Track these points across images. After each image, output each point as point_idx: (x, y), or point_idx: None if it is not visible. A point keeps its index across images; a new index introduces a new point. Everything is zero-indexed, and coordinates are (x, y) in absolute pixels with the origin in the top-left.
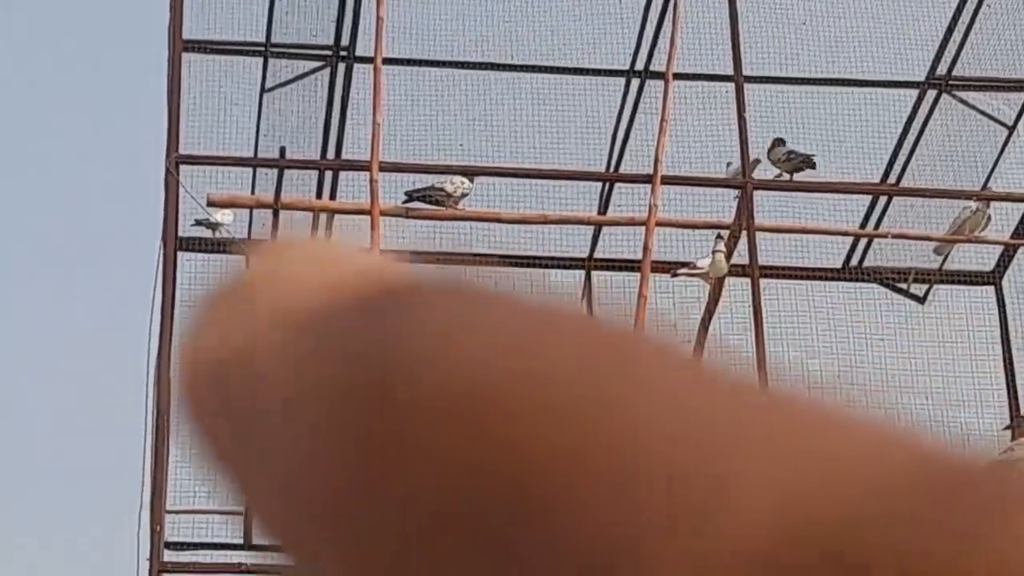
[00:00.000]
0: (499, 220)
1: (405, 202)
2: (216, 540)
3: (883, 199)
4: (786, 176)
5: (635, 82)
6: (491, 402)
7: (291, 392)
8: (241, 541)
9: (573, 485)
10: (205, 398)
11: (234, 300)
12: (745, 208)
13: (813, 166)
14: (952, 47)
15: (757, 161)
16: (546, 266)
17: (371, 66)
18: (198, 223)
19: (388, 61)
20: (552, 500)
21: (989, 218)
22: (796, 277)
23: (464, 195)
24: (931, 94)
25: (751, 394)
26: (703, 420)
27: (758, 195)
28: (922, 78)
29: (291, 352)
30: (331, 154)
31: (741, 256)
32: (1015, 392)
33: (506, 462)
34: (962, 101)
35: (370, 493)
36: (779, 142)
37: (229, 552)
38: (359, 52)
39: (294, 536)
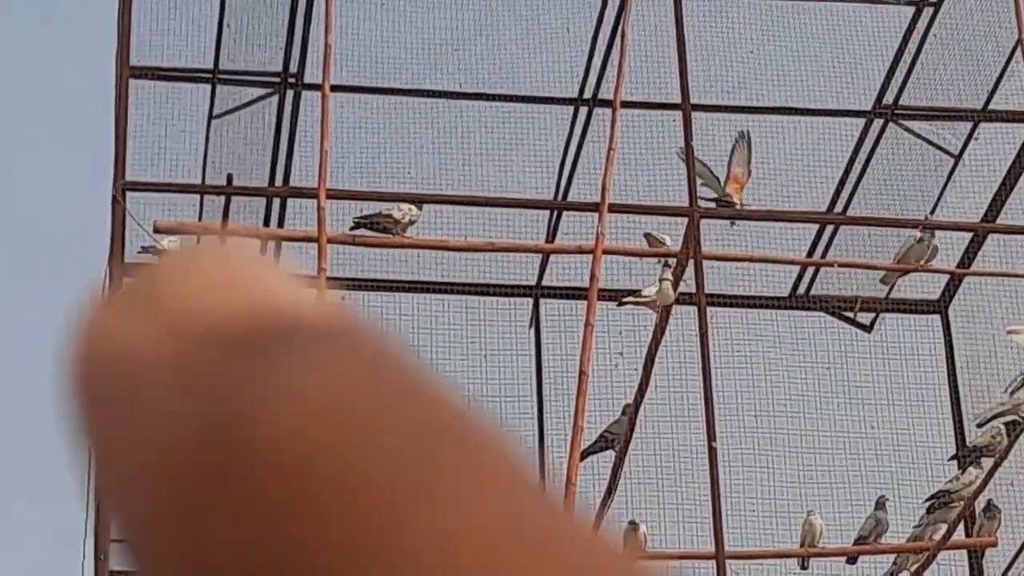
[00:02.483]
0: (447, 248)
1: (352, 228)
2: None
3: (830, 228)
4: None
5: (583, 110)
6: (305, 469)
7: (153, 405)
8: None
9: (358, 566)
10: (88, 381)
11: (137, 297)
12: (692, 236)
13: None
14: (899, 77)
15: (716, 182)
16: (494, 294)
17: (319, 93)
18: (144, 250)
19: (336, 88)
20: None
21: (935, 248)
22: (743, 305)
23: (412, 222)
24: (878, 123)
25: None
26: (487, 527)
27: (704, 223)
28: (869, 107)
29: (168, 370)
30: (279, 181)
31: (688, 284)
32: (960, 420)
33: (304, 537)
34: (908, 130)
35: (183, 518)
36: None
37: None
38: (307, 79)
39: (125, 532)
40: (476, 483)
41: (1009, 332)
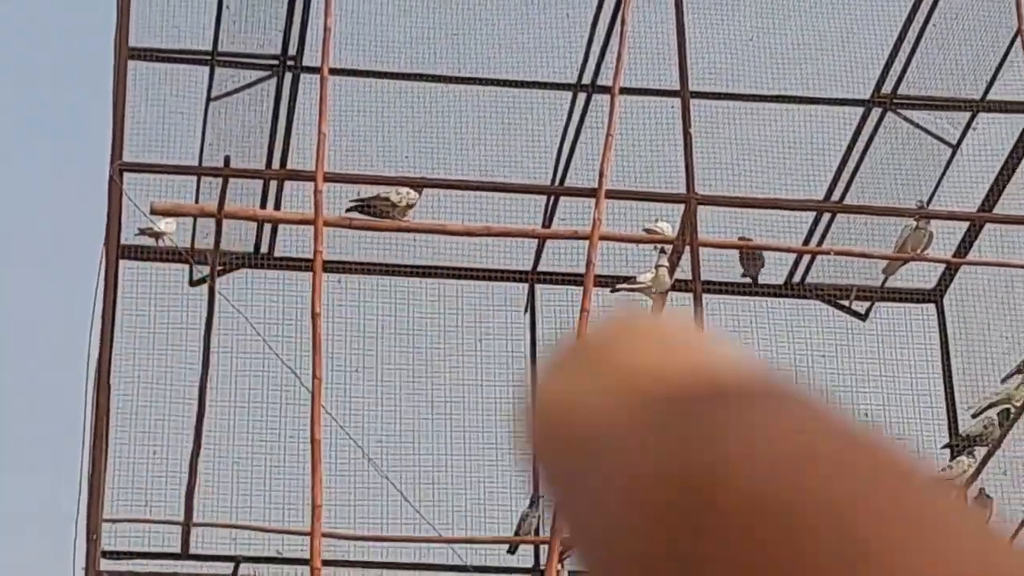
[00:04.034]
0: (444, 232)
1: (349, 210)
2: (153, 549)
3: (826, 216)
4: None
5: (582, 96)
6: (779, 521)
7: (614, 468)
8: (179, 551)
9: None
10: (548, 439)
11: (585, 357)
12: (688, 223)
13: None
14: (897, 66)
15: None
16: (490, 278)
17: (318, 76)
18: (141, 232)
19: (335, 71)
20: None
21: (931, 236)
22: (739, 293)
23: (410, 206)
24: (876, 112)
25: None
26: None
27: (701, 210)
28: (867, 96)
29: (624, 430)
30: (276, 164)
31: (684, 271)
32: (954, 409)
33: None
34: (906, 120)
35: (654, 568)
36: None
37: (166, 561)
38: (306, 62)
39: None
40: (954, 532)
41: None
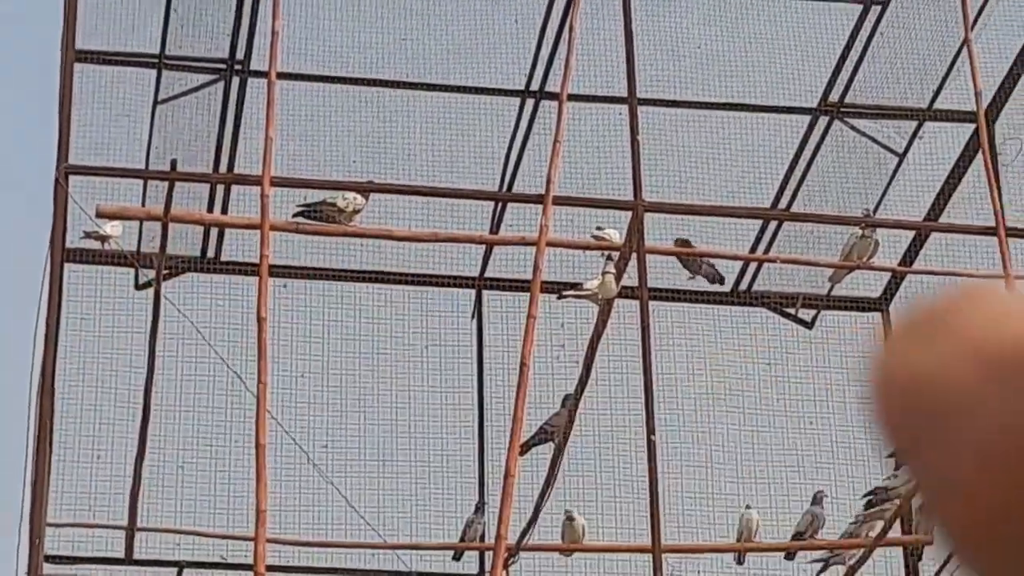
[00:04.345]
0: (390, 237)
1: (295, 215)
2: (97, 554)
3: (773, 224)
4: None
5: (530, 102)
6: None
7: (960, 424)
8: (122, 555)
9: None
10: (894, 404)
11: (930, 325)
12: (635, 230)
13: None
14: (844, 75)
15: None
16: (437, 284)
17: (265, 80)
18: (87, 235)
19: (282, 76)
20: None
21: (877, 244)
22: (685, 300)
23: (356, 211)
24: (823, 120)
25: None
26: None
27: (649, 217)
28: (814, 104)
29: (970, 389)
30: (223, 168)
31: (631, 278)
32: None
33: None
34: (853, 128)
35: (1013, 531)
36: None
37: (110, 567)
38: (253, 66)
39: (952, 537)
40: None
41: None
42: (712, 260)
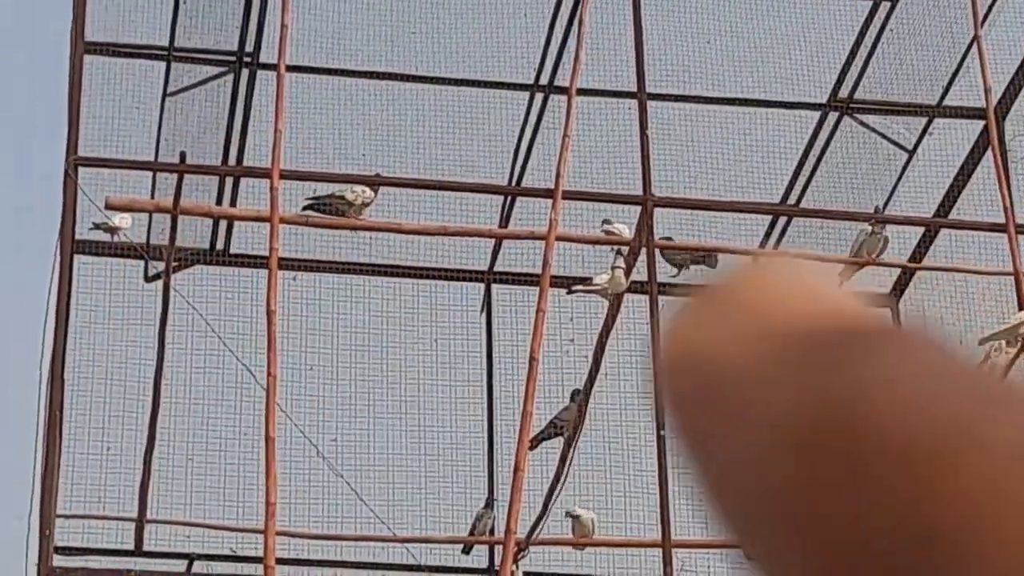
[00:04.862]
0: (399, 231)
1: (304, 208)
2: (107, 546)
3: (783, 219)
4: (677, 270)
5: (539, 96)
6: (924, 450)
7: (752, 399)
8: (132, 547)
9: (986, 541)
10: (681, 383)
11: (718, 302)
12: (645, 225)
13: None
14: (854, 71)
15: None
16: (446, 278)
17: (274, 73)
18: (96, 227)
19: (292, 68)
20: (965, 552)
21: (886, 240)
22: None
23: (366, 204)
24: (832, 116)
25: None
26: None
27: (658, 212)
28: (824, 100)
29: (760, 365)
30: (232, 160)
31: (640, 273)
32: None
33: (929, 506)
34: (863, 124)
35: (804, 506)
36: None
37: (119, 558)
38: (263, 59)
39: (730, 520)
40: None
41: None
42: (702, 254)
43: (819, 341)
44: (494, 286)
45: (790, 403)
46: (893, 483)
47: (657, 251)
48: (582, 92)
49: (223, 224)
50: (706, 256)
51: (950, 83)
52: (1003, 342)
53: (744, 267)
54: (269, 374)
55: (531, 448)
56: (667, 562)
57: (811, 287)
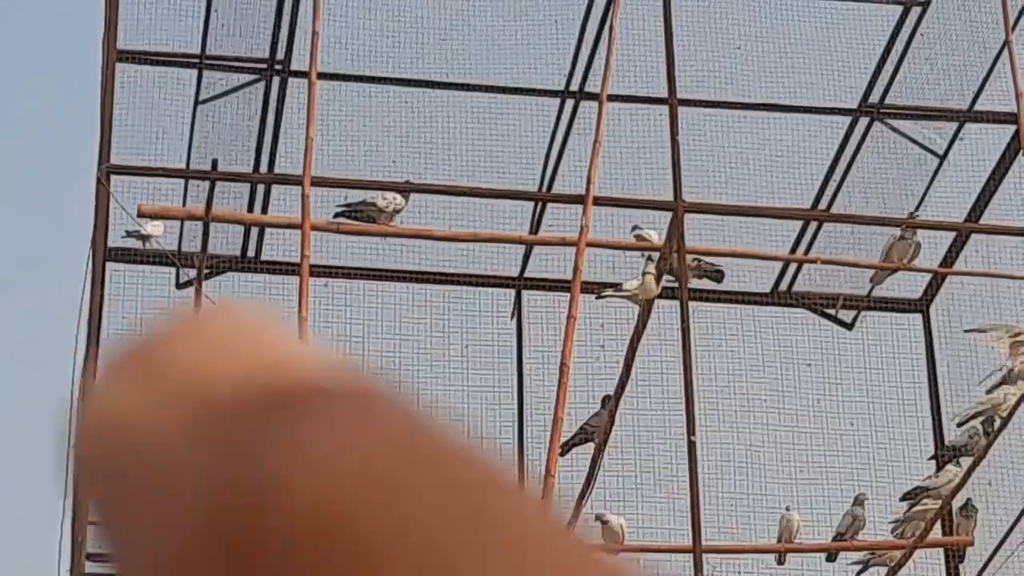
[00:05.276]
0: (431, 237)
1: (336, 215)
2: None
3: (813, 225)
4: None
5: (569, 102)
6: (337, 540)
7: (168, 481)
8: None
9: None
10: (96, 455)
11: (141, 362)
12: (676, 231)
13: (719, 279)
14: (885, 76)
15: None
16: (477, 284)
17: (306, 80)
18: (128, 234)
19: (323, 76)
20: None
21: (918, 246)
22: (725, 301)
23: (397, 211)
24: (863, 121)
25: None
26: None
27: (689, 218)
28: (855, 105)
29: (180, 437)
30: (263, 167)
31: (671, 279)
32: (940, 419)
33: None
34: (894, 129)
35: None
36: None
37: None
38: (294, 66)
39: None
40: (523, 537)
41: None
42: (709, 267)
43: (243, 406)
44: (525, 292)
45: (201, 485)
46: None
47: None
48: (612, 98)
49: (254, 231)
50: (711, 271)
51: (981, 88)
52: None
53: (171, 322)
54: None
55: (562, 454)
56: (697, 567)
57: (258, 339)
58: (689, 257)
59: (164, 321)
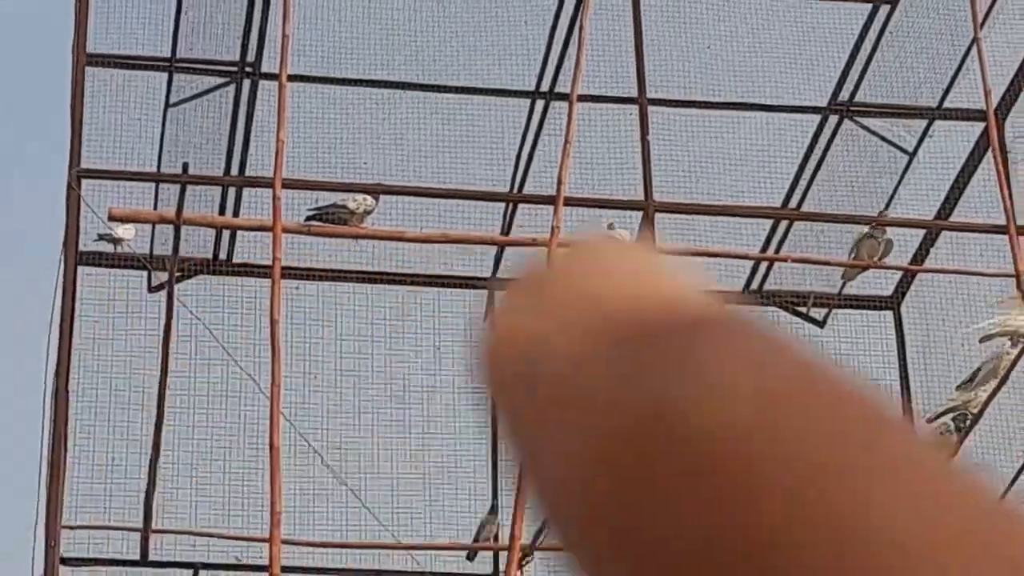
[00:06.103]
0: (401, 239)
1: (307, 219)
2: (113, 556)
3: (784, 223)
4: None
5: (540, 103)
6: (743, 457)
7: (574, 395)
8: (138, 557)
9: (803, 550)
10: (501, 370)
11: (543, 287)
12: (647, 230)
13: None
14: (854, 74)
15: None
16: (448, 286)
17: (276, 83)
18: (100, 237)
19: (293, 78)
20: (783, 561)
21: (890, 243)
22: None
23: (367, 213)
24: (833, 119)
25: (980, 499)
26: (935, 513)
27: (660, 217)
28: (824, 104)
29: (584, 359)
30: (235, 170)
31: None
32: (911, 416)
33: (746, 516)
34: (863, 127)
35: (619, 508)
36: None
37: (125, 568)
38: (264, 69)
39: (557, 523)
40: (914, 463)
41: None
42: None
43: (647, 334)
44: (497, 293)
45: (616, 402)
46: (721, 493)
47: None
48: (583, 98)
49: (226, 234)
50: None
51: (950, 85)
52: (1007, 340)
53: (575, 250)
54: (273, 383)
55: None
56: None
57: (643, 272)
58: None
59: (556, 255)
